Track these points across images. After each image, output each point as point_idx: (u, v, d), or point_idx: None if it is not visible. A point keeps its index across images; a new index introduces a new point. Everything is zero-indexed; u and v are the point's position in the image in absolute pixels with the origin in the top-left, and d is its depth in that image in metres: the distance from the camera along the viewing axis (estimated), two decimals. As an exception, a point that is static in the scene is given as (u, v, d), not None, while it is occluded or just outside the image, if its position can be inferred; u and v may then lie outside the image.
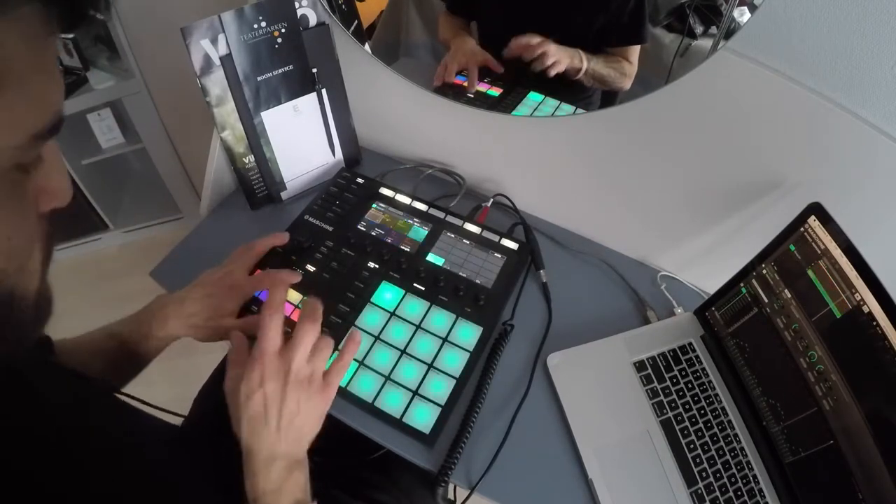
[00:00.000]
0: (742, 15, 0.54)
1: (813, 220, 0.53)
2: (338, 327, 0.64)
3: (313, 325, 0.48)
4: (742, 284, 0.61)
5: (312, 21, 0.72)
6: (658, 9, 0.63)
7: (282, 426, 0.45)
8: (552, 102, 0.71)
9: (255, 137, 0.74)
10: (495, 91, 0.73)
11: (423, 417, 0.58)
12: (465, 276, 0.69)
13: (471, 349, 0.63)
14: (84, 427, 0.40)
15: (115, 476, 0.39)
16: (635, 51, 0.64)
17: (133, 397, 0.52)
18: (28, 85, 0.24)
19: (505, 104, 0.72)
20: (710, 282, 0.68)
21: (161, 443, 0.49)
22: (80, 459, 0.38)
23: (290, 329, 0.53)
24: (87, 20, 0.26)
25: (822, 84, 0.54)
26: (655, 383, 0.63)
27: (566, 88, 0.69)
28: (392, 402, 0.59)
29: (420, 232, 0.73)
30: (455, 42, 0.73)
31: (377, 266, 0.69)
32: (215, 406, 0.52)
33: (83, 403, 0.44)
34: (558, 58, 0.65)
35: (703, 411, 0.61)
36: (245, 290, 0.61)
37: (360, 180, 0.79)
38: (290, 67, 0.72)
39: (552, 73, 0.65)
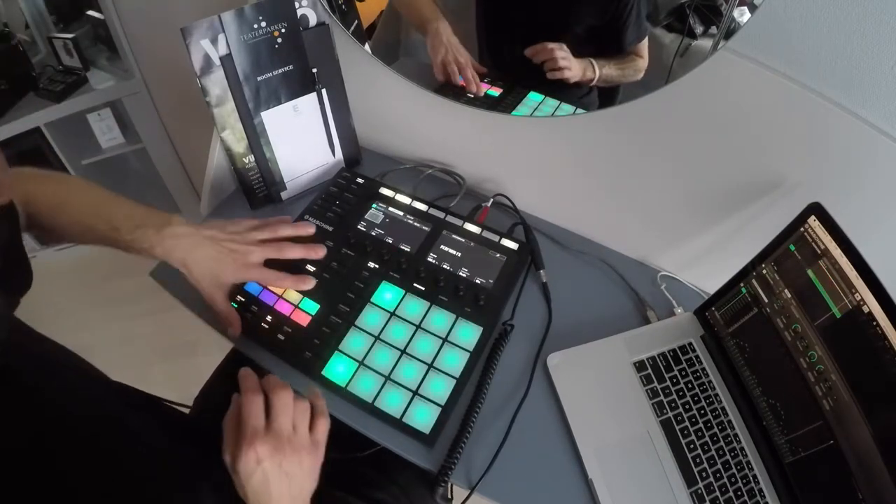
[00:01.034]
0: (742, 15, 0.54)
1: (813, 220, 0.53)
2: (338, 327, 0.64)
3: (285, 391, 0.50)
4: (742, 284, 0.61)
5: (312, 21, 0.72)
6: (658, 9, 0.63)
7: (283, 494, 0.47)
8: (552, 102, 0.71)
9: (255, 137, 0.74)
10: (495, 91, 0.73)
11: (423, 417, 0.58)
12: (465, 276, 0.69)
13: (471, 349, 0.63)
14: (77, 422, 0.40)
15: (109, 475, 0.39)
16: (645, 44, 0.64)
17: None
18: None
19: (505, 104, 0.72)
20: (710, 282, 0.68)
21: (161, 437, 0.49)
22: (73, 456, 0.38)
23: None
24: None
25: (822, 84, 0.54)
26: (655, 383, 0.63)
27: (566, 88, 0.69)
28: (392, 402, 0.59)
29: (420, 232, 0.73)
30: (431, 29, 0.71)
31: (377, 266, 0.69)
32: (217, 407, 0.52)
33: (79, 398, 0.44)
34: (569, 65, 0.65)
35: (703, 411, 0.61)
36: (251, 276, 0.62)
37: (360, 180, 0.79)
38: (290, 67, 0.72)
39: (558, 77, 0.66)
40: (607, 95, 0.69)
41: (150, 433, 0.48)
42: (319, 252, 0.68)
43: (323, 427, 0.52)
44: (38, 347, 0.45)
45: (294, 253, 0.65)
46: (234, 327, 0.62)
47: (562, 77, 0.66)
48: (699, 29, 0.59)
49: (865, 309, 0.48)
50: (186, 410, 0.71)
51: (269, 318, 0.64)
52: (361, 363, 0.62)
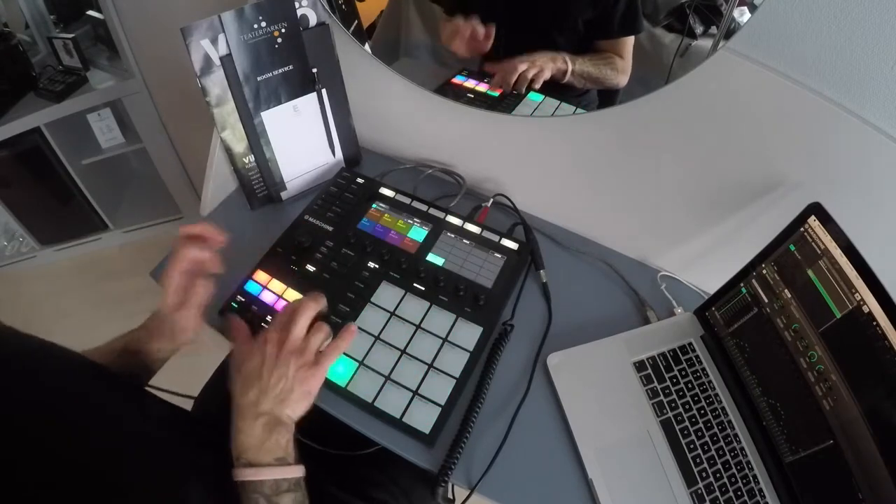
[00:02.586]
0: (742, 15, 0.54)
1: (813, 220, 0.53)
2: (338, 327, 0.64)
3: (314, 303, 0.55)
4: (742, 284, 0.61)
5: (312, 21, 0.72)
6: (658, 9, 0.63)
7: (269, 386, 0.49)
8: (552, 102, 0.71)
9: (255, 137, 0.74)
10: (495, 91, 0.73)
11: (423, 417, 0.58)
12: (465, 276, 0.69)
13: (471, 349, 0.63)
14: (76, 418, 0.40)
15: (82, 451, 0.39)
16: (628, 45, 0.64)
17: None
18: None
19: (505, 104, 0.72)
20: (710, 282, 0.68)
21: (145, 421, 0.49)
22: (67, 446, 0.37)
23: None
24: None
25: (823, 84, 0.54)
26: (655, 383, 0.63)
27: (563, 86, 0.69)
28: (392, 402, 0.59)
29: (420, 232, 0.73)
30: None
31: (377, 266, 0.69)
32: (218, 405, 0.52)
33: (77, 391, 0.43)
34: (539, 68, 0.66)
35: (703, 411, 0.61)
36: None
37: (360, 180, 0.79)
38: (290, 67, 0.72)
39: (539, 83, 0.67)
40: (607, 96, 0.69)
41: (131, 416, 0.47)
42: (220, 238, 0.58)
43: (331, 354, 0.54)
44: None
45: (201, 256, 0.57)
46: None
47: (542, 80, 0.67)
48: (699, 29, 0.59)
49: (865, 309, 0.48)
50: (185, 400, 0.70)
51: (269, 318, 0.64)
52: (361, 363, 0.62)
